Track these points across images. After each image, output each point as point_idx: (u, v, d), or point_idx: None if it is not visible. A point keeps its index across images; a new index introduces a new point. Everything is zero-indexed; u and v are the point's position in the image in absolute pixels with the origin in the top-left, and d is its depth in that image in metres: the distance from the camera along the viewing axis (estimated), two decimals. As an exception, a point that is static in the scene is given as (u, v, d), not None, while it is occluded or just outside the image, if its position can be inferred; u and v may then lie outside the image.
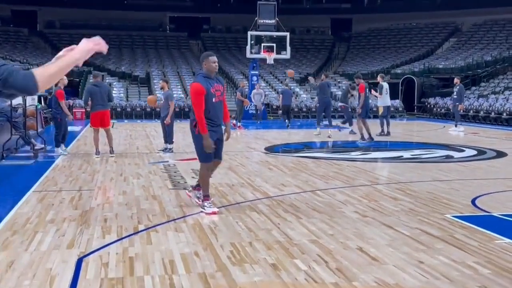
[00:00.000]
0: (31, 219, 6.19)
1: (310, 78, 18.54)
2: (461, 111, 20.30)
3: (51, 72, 2.39)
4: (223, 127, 6.83)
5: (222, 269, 4.49)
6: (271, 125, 23.01)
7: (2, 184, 8.82)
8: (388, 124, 17.35)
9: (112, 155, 11.97)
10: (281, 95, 22.40)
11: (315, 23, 47.47)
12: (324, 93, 17.40)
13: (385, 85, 17.36)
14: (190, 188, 7.17)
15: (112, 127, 21.16)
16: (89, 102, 11.89)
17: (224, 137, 6.83)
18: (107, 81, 33.46)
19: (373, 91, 18.10)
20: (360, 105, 15.20)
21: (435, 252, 4.93)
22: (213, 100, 6.47)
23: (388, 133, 17.10)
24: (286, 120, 21.22)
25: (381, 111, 17.44)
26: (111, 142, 12.24)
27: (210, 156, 6.60)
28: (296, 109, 29.00)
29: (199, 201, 6.77)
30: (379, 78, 17.70)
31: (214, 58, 6.60)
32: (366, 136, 15.14)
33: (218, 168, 6.78)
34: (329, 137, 16.37)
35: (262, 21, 27.16)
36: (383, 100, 17.33)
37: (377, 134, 16.62)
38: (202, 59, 6.65)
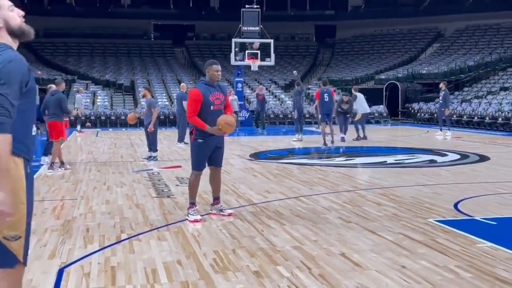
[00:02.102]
0: (13, 229, 6.12)
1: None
2: (453, 116, 20.49)
3: None
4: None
5: (205, 277, 4.47)
6: (254, 132, 23.01)
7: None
8: (363, 128, 17.81)
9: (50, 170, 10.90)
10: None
11: (299, 29, 47.70)
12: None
13: (359, 95, 18.09)
14: (210, 207, 7.00)
15: (96, 135, 21.19)
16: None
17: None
18: (91, 89, 33.34)
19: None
20: (318, 111, 16.51)
21: (417, 257, 4.95)
22: (211, 108, 6.47)
23: (365, 137, 17.33)
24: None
25: (358, 117, 17.62)
26: (54, 157, 11.09)
27: (201, 164, 6.62)
28: (281, 116, 29.10)
29: (224, 212, 6.73)
30: (353, 90, 18.52)
31: (218, 67, 6.59)
32: (328, 140, 15.91)
33: (202, 175, 6.73)
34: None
35: (246, 28, 27.20)
36: (362, 107, 17.88)
37: (354, 139, 17.08)
38: (206, 66, 6.67)
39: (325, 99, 16.08)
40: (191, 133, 6.61)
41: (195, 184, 6.69)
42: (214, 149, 6.64)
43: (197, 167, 6.65)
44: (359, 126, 17.68)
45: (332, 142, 16.06)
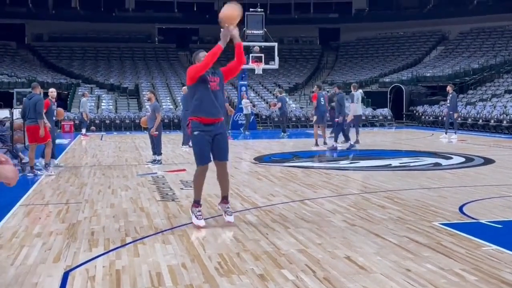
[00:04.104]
0: (18, 233, 6.14)
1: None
2: (458, 119, 20.28)
3: None
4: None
5: (210, 280, 4.47)
6: (260, 135, 23.02)
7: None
8: (357, 133, 17.67)
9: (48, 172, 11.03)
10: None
11: (303, 33, 47.69)
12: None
13: (357, 95, 17.66)
14: (219, 207, 6.75)
15: (101, 139, 21.23)
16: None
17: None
18: (96, 93, 33.41)
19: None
20: (314, 112, 16.69)
21: (422, 260, 4.94)
22: (208, 86, 6.27)
23: (357, 141, 17.10)
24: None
25: (350, 118, 17.11)
26: (31, 161, 11.15)
27: (204, 157, 6.34)
28: (303, 119, 29.15)
29: (225, 217, 6.51)
30: (352, 88, 18.10)
31: (204, 53, 6.49)
32: (320, 142, 16.30)
33: (206, 178, 6.62)
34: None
35: (250, 31, 27.24)
36: (354, 109, 17.25)
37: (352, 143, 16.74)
38: (194, 58, 6.56)
39: (321, 102, 16.51)
40: (187, 126, 6.44)
41: (199, 180, 6.44)
42: (214, 139, 6.32)
43: (200, 161, 6.37)
44: (351, 129, 17.21)
45: (325, 143, 16.41)
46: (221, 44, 6.30)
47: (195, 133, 6.33)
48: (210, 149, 6.38)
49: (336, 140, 16.03)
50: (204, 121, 6.32)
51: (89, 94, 27.98)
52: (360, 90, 18.32)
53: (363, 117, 17.99)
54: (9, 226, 6.48)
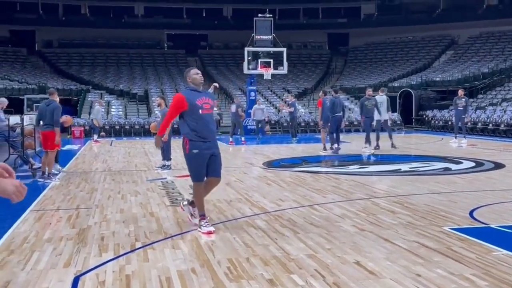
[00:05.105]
0: (29, 238, 6.18)
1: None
2: (468, 123, 20.05)
3: None
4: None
5: (219, 285, 4.47)
6: (269, 140, 23.03)
7: (0, 204, 8.80)
8: (390, 137, 17.44)
9: (46, 180, 10.95)
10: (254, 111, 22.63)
11: (312, 38, 47.73)
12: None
13: (379, 99, 17.11)
14: (186, 202, 6.91)
15: (111, 145, 21.32)
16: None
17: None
18: (105, 99, 33.57)
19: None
20: (319, 118, 16.76)
21: (432, 265, 4.92)
22: (200, 111, 6.38)
23: (377, 146, 16.99)
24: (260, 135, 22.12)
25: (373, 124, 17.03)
26: (44, 166, 11.21)
27: (201, 174, 6.46)
28: (312, 124, 29.16)
29: (191, 218, 6.67)
30: (380, 92, 17.84)
31: (195, 70, 6.66)
32: (328, 146, 16.32)
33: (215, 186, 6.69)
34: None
35: (259, 37, 27.32)
36: (382, 114, 17.07)
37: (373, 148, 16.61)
38: (186, 74, 6.69)
39: (327, 106, 16.43)
40: (185, 144, 6.45)
41: (200, 195, 6.55)
42: (210, 158, 6.45)
43: (198, 178, 6.48)
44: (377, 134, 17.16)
45: (331, 148, 16.35)
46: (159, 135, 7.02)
47: (194, 151, 6.37)
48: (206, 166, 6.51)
49: (337, 143, 16.23)
50: (201, 139, 6.41)
51: (102, 103, 27.91)
52: (382, 94, 17.67)
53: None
54: (20, 232, 6.52)
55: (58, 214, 7.64)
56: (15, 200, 2.34)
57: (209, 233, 6.27)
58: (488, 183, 10.13)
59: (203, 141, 6.38)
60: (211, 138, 6.52)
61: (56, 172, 11.75)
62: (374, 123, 16.65)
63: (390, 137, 17.53)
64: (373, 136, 16.65)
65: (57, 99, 11.61)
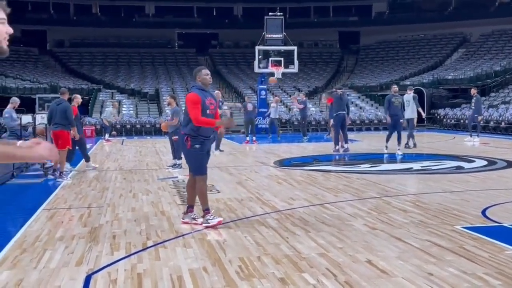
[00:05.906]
0: (41, 236, 6.21)
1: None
2: (481, 122, 19.77)
3: None
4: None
5: (231, 284, 4.47)
6: (281, 139, 22.99)
7: (13, 203, 8.87)
8: (408, 136, 17.11)
9: (58, 178, 11.00)
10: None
11: (322, 36, 47.64)
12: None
13: (406, 98, 16.89)
14: (182, 215, 6.93)
15: (122, 144, 21.39)
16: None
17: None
18: (116, 98, 33.70)
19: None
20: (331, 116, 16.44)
21: (445, 264, 4.88)
22: (208, 111, 6.54)
23: (408, 145, 16.77)
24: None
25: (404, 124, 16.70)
26: (56, 164, 11.22)
27: (204, 167, 6.63)
28: (323, 123, 29.07)
29: (197, 221, 6.66)
30: (408, 91, 17.68)
31: (206, 71, 6.76)
32: (337, 146, 15.94)
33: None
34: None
35: (269, 35, 27.28)
36: (406, 112, 16.70)
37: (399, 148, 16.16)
38: (196, 73, 6.76)
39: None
40: (186, 141, 6.55)
41: (204, 189, 6.68)
42: (207, 153, 6.73)
43: (201, 171, 6.62)
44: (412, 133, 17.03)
45: (342, 147, 16.15)
46: (217, 124, 6.80)
47: (197, 146, 6.53)
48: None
49: (345, 142, 16.17)
50: (203, 138, 6.61)
51: (117, 105, 27.83)
52: (410, 92, 17.39)
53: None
54: (32, 230, 6.55)
55: (70, 212, 7.68)
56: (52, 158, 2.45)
57: (219, 223, 6.40)
58: (500, 181, 10.06)
59: (204, 139, 6.59)
60: (211, 136, 6.80)
61: (67, 170, 11.79)
62: (403, 121, 15.64)
63: (410, 136, 17.13)
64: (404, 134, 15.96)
65: (67, 98, 11.68)
